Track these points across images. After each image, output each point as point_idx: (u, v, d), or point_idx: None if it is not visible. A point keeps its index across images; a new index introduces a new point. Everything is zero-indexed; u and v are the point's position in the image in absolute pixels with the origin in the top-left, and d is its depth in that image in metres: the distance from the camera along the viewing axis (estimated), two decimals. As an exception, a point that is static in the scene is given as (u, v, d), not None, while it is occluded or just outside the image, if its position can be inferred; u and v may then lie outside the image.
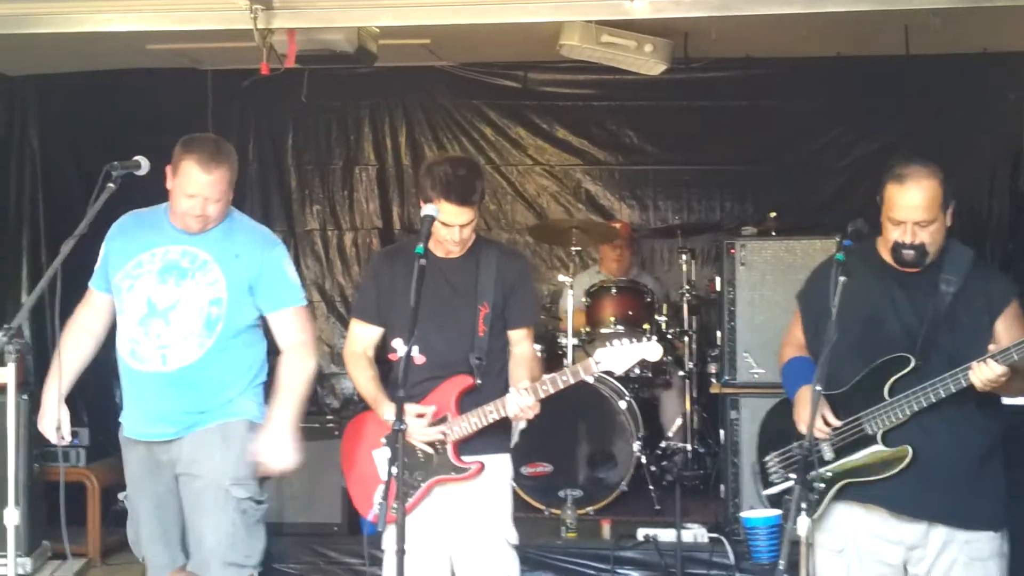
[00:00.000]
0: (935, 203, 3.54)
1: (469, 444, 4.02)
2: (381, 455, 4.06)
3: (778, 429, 3.90)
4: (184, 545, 4.13)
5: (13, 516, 3.69)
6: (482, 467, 4.01)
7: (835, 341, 3.42)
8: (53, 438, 4.09)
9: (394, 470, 3.47)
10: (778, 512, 3.72)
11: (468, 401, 4.00)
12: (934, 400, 3.51)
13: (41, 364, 6.64)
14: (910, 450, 3.55)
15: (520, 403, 3.89)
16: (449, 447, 4.00)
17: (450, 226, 3.93)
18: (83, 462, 6.29)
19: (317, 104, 7.57)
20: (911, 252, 3.55)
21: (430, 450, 3.99)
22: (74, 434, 6.24)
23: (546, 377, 3.94)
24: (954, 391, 3.48)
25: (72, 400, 6.13)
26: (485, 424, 3.97)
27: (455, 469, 4.00)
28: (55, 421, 4.07)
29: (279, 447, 4.03)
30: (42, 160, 7.54)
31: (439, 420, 3.99)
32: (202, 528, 4.02)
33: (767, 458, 3.91)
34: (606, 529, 5.69)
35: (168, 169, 4.04)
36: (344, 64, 6.09)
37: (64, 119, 7.50)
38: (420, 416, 3.94)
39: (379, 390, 4.07)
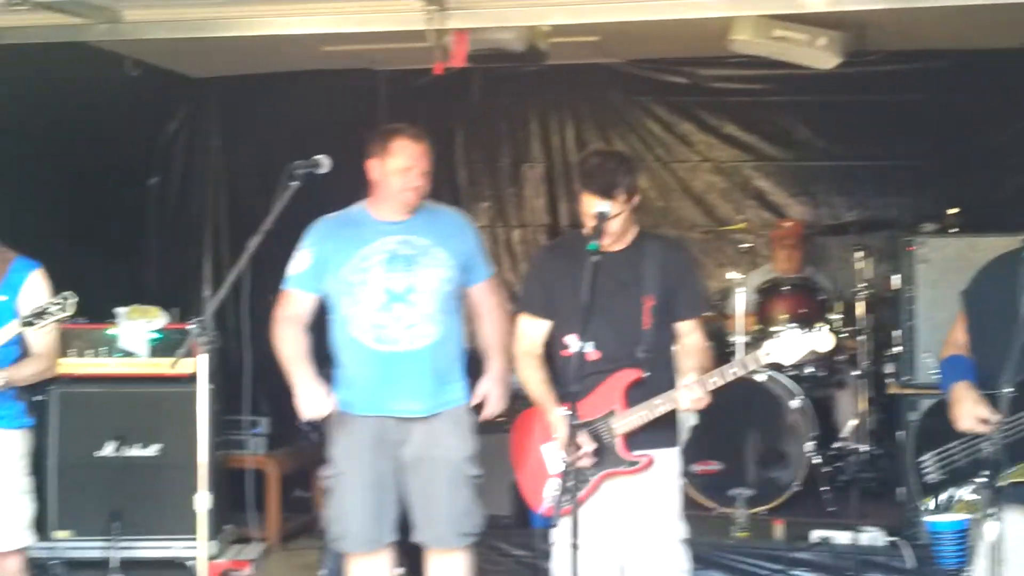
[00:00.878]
0: None
1: (637, 439, 4.01)
2: (550, 449, 4.14)
3: (935, 429, 3.78)
4: (396, 524, 4.38)
5: (205, 501, 3.84)
6: (652, 460, 4.01)
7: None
8: (316, 411, 4.30)
9: (565, 465, 3.57)
10: (966, 516, 3.61)
11: (636, 394, 4.00)
12: None
13: (223, 355, 6.93)
14: None
15: (690, 396, 3.87)
16: (618, 440, 4.00)
17: (588, 216, 3.95)
18: (263, 450, 6.51)
19: (486, 103, 7.66)
20: None
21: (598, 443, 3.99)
22: (254, 423, 6.49)
23: (715, 369, 3.92)
24: None
25: (253, 392, 6.39)
26: (653, 417, 3.96)
27: (625, 462, 4.00)
28: (318, 394, 4.31)
29: (502, 392, 4.44)
30: (224, 160, 7.83)
31: (606, 415, 3.99)
32: (439, 504, 4.33)
33: (923, 458, 3.80)
34: (778, 529, 5.61)
35: (372, 161, 4.34)
36: (514, 63, 6.14)
37: (244, 120, 7.77)
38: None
39: (548, 392, 4.11)
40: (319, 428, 4.68)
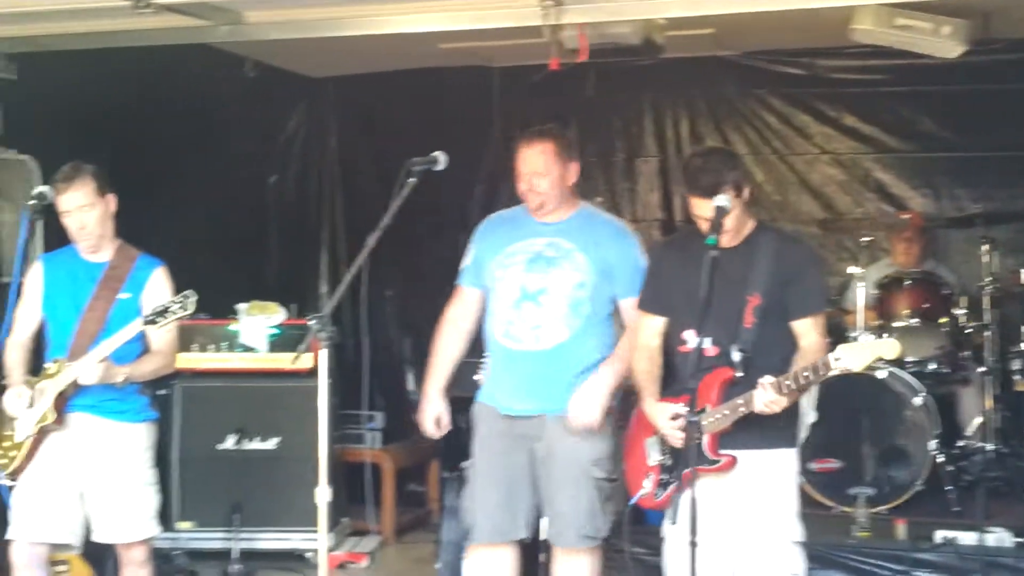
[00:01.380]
0: None
1: (744, 438, 3.92)
2: (651, 443, 4.13)
3: None
4: (528, 520, 4.40)
5: (325, 494, 3.89)
6: (733, 461, 3.92)
7: None
8: (431, 430, 4.49)
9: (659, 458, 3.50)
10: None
11: (732, 393, 3.92)
12: None
13: (339, 350, 7.04)
14: None
15: (763, 398, 3.78)
16: (706, 439, 3.93)
17: (700, 218, 3.91)
18: (379, 444, 6.58)
19: (599, 97, 7.62)
20: None
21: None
22: (370, 417, 6.57)
23: (791, 372, 3.81)
24: None
25: (369, 386, 6.46)
26: (736, 417, 3.87)
27: (707, 461, 3.93)
28: (435, 414, 4.48)
29: (591, 400, 4.27)
30: (340, 157, 7.94)
31: (699, 412, 3.90)
32: (561, 502, 4.32)
33: None
34: (901, 529, 5.48)
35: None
36: (630, 57, 6.11)
37: (360, 118, 7.88)
38: (674, 417, 3.92)
39: (648, 384, 4.10)
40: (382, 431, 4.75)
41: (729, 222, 3.89)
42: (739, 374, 3.92)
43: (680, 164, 7.62)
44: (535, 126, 4.49)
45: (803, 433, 4.20)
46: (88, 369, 4.23)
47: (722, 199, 3.82)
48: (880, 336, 6.28)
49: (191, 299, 4.22)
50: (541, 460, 4.36)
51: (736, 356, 3.92)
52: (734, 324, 3.94)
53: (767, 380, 3.79)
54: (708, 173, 3.90)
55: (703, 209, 3.89)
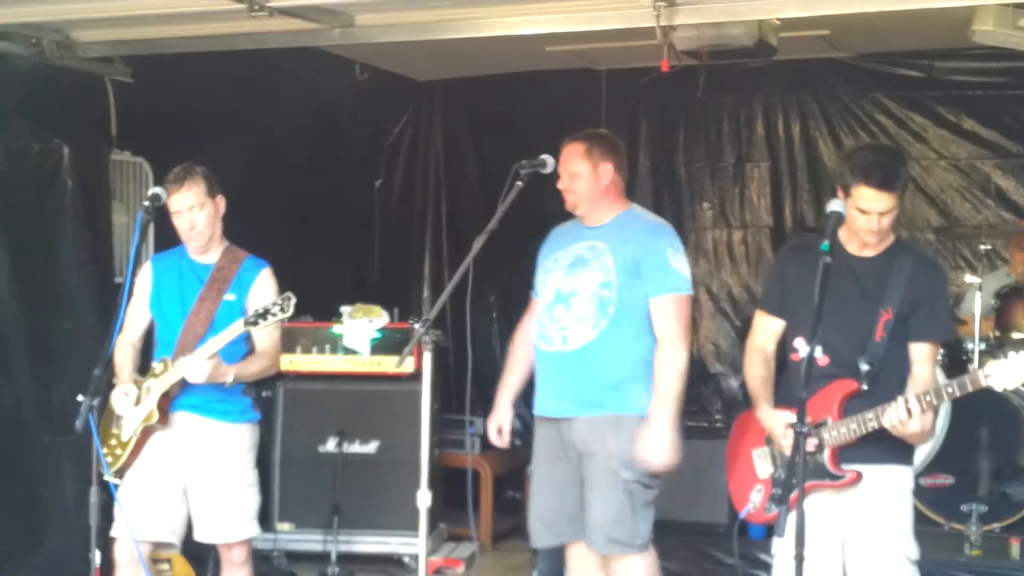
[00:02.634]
0: None
1: (863, 452, 3.82)
2: (760, 454, 4.05)
3: None
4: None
5: (426, 498, 3.89)
6: (858, 476, 3.83)
7: None
8: (494, 439, 4.56)
9: (781, 473, 3.50)
10: None
11: (854, 407, 3.82)
12: None
13: (439, 355, 7.05)
14: None
15: (896, 415, 3.67)
16: (827, 452, 3.84)
17: (868, 213, 3.78)
18: (477, 450, 6.57)
19: (708, 100, 7.52)
20: None
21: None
22: (470, 423, 6.56)
23: (932, 387, 3.70)
24: None
25: (464, 391, 6.43)
26: (864, 432, 3.77)
27: (829, 476, 3.84)
28: (498, 424, 4.53)
29: (659, 444, 4.22)
30: (445, 161, 7.96)
31: (819, 424, 3.83)
32: (591, 504, 4.28)
33: None
34: (1015, 548, 5.32)
35: None
36: (742, 59, 6.01)
37: (466, 121, 7.90)
38: (788, 427, 3.76)
39: (762, 389, 4.00)
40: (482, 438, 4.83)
41: (886, 221, 3.81)
42: (864, 387, 3.83)
43: (792, 167, 7.53)
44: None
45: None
46: (196, 367, 4.28)
47: (837, 204, 3.71)
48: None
49: (290, 301, 4.25)
50: (577, 462, 4.35)
51: (864, 368, 3.83)
52: (864, 336, 3.85)
53: (910, 395, 3.69)
54: (889, 166, 3.82)
55: (876, 202, 3.77)
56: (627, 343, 4.29)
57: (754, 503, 4.02)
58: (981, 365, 5.83)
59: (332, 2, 5.29)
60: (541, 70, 7.36)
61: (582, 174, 4.35)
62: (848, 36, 6.76)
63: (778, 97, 7.59)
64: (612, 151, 4.43)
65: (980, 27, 5.67)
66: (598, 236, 4.37)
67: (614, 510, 4.23)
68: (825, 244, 3.57)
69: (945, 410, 5.62)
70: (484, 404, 6.77)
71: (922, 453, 5.64)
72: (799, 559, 3.39)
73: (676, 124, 7.77)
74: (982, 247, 6.68)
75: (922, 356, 3.87)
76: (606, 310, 4.27)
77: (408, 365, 5.10)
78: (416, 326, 3.88)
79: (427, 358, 3.86)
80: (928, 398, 3.66)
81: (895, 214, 3.84)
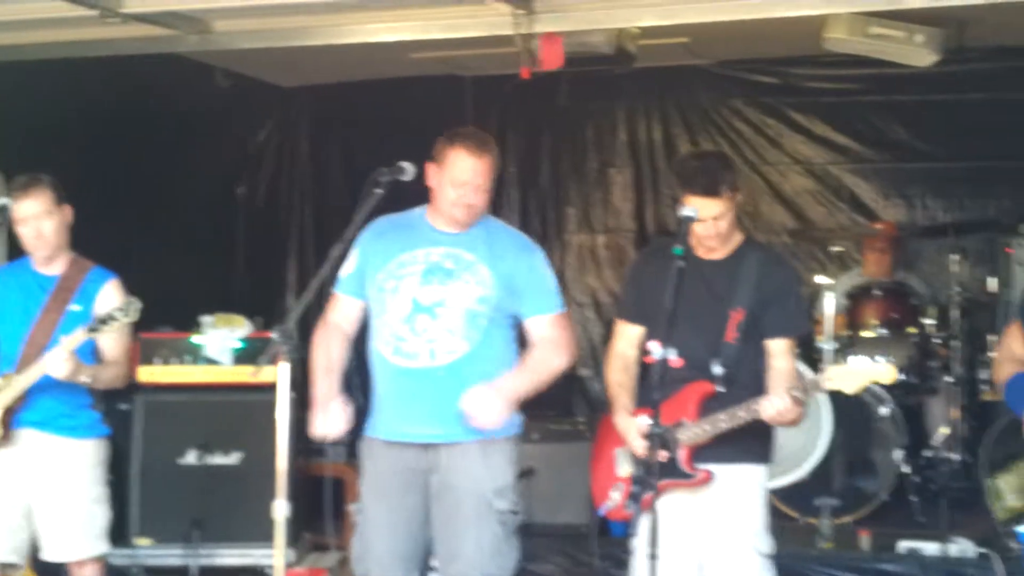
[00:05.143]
0: None
1: (719, 451, 3.91)
2: (622, 453, 4.09)
3: (1009, 454, 3.65)
4: (424, 562, 4.07)
5: (283, 508, 3.85)
6: (710, 476, 3.91)
7: None
8: (326, 430, 4.16)
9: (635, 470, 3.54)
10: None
11: (710, 408, 3.91)
12: None
13: (305, 364, 6.99)
14: None
15: (775, 407, 3.76)
16: (682, 452, 3.92)
17: (702, 220, 3.84)
18: (343, 458, 6.52)
19: (573, 107, 7.62)
20: None
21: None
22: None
23: (779, 389, 3.80)
24: None
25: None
26: (716, 432, 3.86)
27: (683, 475, 3.92)
28: (335, 414, 4.11)
29: (488, 403, 3.91)
30: (311, 168, 7.92)
31: (675, 425, 3.91)
32: (462, 540, 3.95)
33: (1001, 486, 3.67)
34: (864, 540, 5.48)
35: (431, 166, 4.04)
36: (602, 66, 6.09)
37: (332, 128, 7.86)
38: (640, 433, 3.84)
39: (620, 395, 4.06)
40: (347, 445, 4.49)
41: (723, 225, 3.89)
42: (720, 389, 3.91)
43: (655, 172, 7.66)
44: (462, 130, 4.17)
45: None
46: (57, 362, 4.17)
47: (688, 209, 3.80)
48: (848, 347, 6.29)
49: (135, 306, 4.18)
50: (436, 495, 3.97)
51: (717, 370, 3.90)
52: (716, 337, 3.92)
53: (782, 390, 3.78)
54: (706, 172, 3.89)
55: (704, 209, 3.84)
56: (497, 355, 4.04)
57: (614, 500, 4.06)
58: (835, 362, 6.07)
59: (189, 8, 5.24)
60: (407, 76, 7.37)
61: (485, 186, 4.01)
62: (707, 44, 6.89)
63: (640, 104, 7.72)
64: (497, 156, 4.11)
65: (832, 35, 5.88)
66: (459, 244, 4.04)
67: (489, 544, 3.95)
68: (678, 248, 3.65)
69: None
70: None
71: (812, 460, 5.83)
72: (652, 558, 3.46)
73: (541, 130, 7.85)
74: (835, 249, 6.89)
75: (779, 351, 3.95)
76: (478, 322, 3.99)
77: (269, 375, 5.02)
78: (273, 336, 3.82)
79: (282, 367, 3.80)
80: (796, 392, 3.77)
81: (731, 216, 3.92)
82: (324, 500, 4.36)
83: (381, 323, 4.08)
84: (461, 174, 3.96)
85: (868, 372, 3.78)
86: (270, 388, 5.16)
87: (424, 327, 3.98)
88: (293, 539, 5.74)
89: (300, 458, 5.81)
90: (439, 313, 3.98)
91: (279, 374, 3.82)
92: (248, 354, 5.90)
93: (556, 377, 4.11)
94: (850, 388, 3.79)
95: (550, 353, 4.07)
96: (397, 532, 4.02)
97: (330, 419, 4.06)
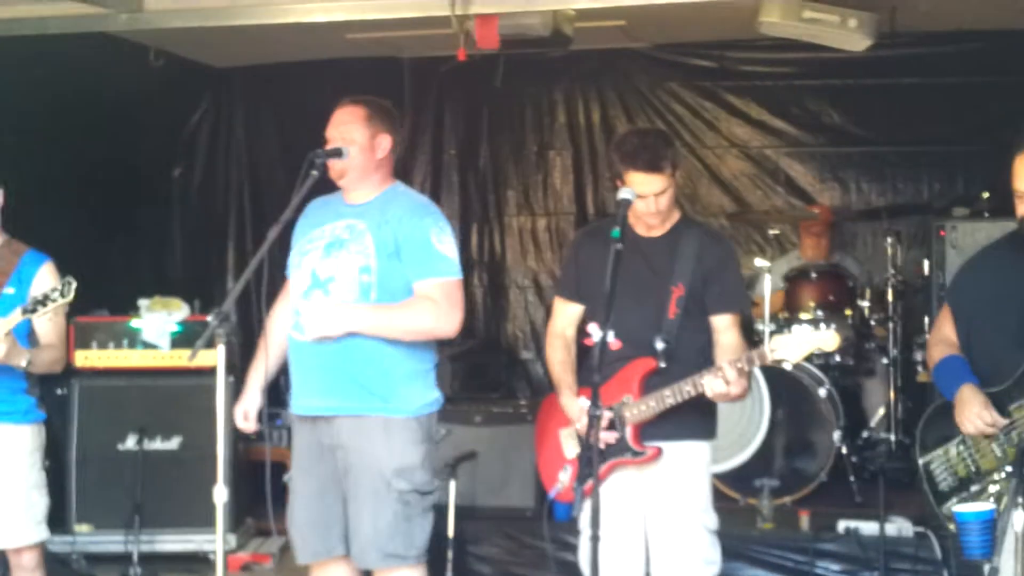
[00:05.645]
0: None
1: (663, 429, 3.92)
2: (567, 435, 4.09)
3: (941, 436, 3.72)
4: (345, 533, 4.05)
5: (222, 494, 3.80)
6: (659, 452, 3.93)
7: (992, 333, 3.22)
8: (240, 424, 4.20)
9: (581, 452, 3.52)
10: (991, 506, 3.54)
11: (653, 385, 3.91)
12: None
13: (247, 348, 6.93)
14: None
15: (716, 384, 3.76)
16: (629, 430, 3.93)
17: (643, 196, 3.86)
18: (285, 443, 6.47)
19: (512, 89, 7.60)
20: None
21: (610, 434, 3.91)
22: (276, 415, 6.44)
23: (723, 363, 3.81)
24: None
25: (275, 382, 6.29)
26: (662, 408, 3.87)
27: (631, 452, 3.93)
28: (244, 409, 4.18)
29: (322, 313, 3.91)
30: (247, 150, 7.83)
31: (620, 403, 3.92)
32: (360, 518, 3.97)
33: (932, 465, 3.73)
34: (804, 520, 5.53)
35: None
36: (539, 48, 6.08)
37: (269, 109, 7.78)
38: (584, 412, 3.79)
39: (564, 375, 4.06)
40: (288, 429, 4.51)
41: (663, 202, 3.90)
42: (662, 364, 3.91)
43: (594, 155, 7.67)
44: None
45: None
46: None
47: (626, 192, 3.80)
48: (786, 328, 6.33)
49: (71, 286, 4.09)
50: (342, 470, 3.99)
51: (659, 346, 3.91)
52: (658, 314, 3.93)
53: (724, 363, 3.77)
54: (647, 149, 3.89)
55: (647, 184, 3.86)
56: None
57: (562, 482, 4.06)
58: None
59: (119, -15, 5.16)
60: (343, 58, 7.31)
61: (357, 141, 3.98)
62: (644, 27, 6.91)
63: (579, 86, 7.72)
64: (393, 124, 4.09)
65: (767, 19, 5.89)
66: (358, 215, 4.01)
67: (387, 523, 3.93)
68: (616, 231, 3.65)
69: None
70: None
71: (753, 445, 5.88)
72: (595, 539, 3.46)
73: (479, 113, 7.82)
74: (772, 232, 6.95)
75: (725, 326, 3.97)
76: (368, 296, 3.94)
77: (208, 358, 4.95)
78: (209, 319, 3.77)
79: (220, 351, 3.75)
80: (740, 364, 3.77)
81: (671, 193, 3.93)
82: (275, 485, 4.32)
83: (291, 299, 4.11)
84: (329, 129, 4.05)
85: (812, 339, 3.77)
86: (209, 372, 5.10)
87: (318, 302, 3.97)
88: (235, 524, 5.73)
89: (241, 443, 5.78)
90: (331, 289, 3.97)
91: (217, 358, 3.76)
92: (186, 338, 5.84)
93: (423, 336, 4.01)
94: (795, 356, 3.80)
95: (420, 307, 3.96)
96: (313, 501, 4.06)
97: (237, 413, 4.18)
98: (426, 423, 4.04)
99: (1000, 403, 3.47)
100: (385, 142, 4.04)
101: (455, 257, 4.05)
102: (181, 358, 5.78)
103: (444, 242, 4.01)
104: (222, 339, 3.71)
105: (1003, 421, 3.45)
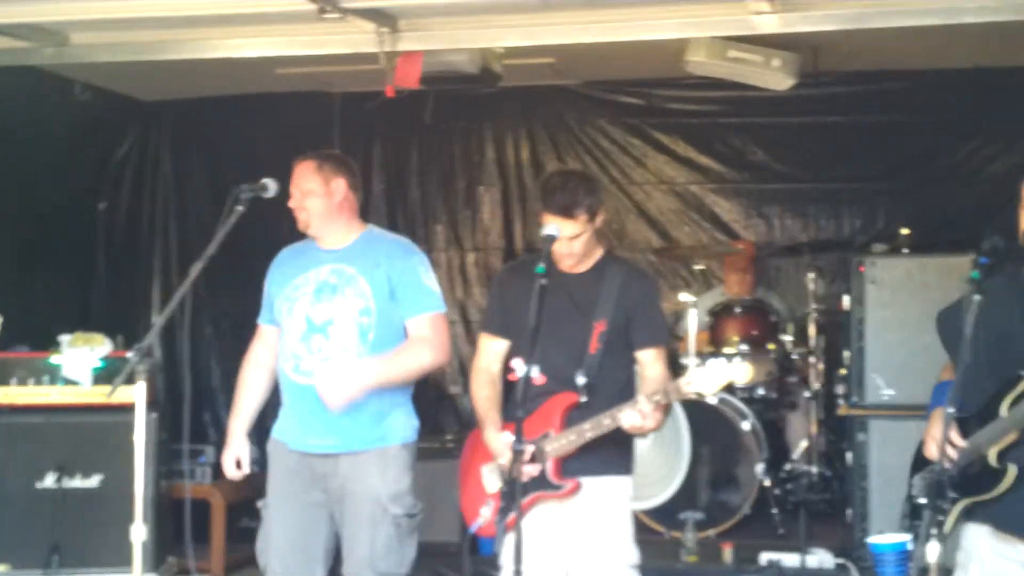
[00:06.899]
0: None
1: (584, 464, 3.96)
2: (490, 470, 4.12)
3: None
4: (326, 559, 4.26)
5: (140, 532, 3.77)
6: (578, 486, 3.96)
7: (971, 363, 3.28)
8: (231, 472, 4.36)
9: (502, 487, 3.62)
10: (907, 537, 3.60)
11: (574, 419, 3.96)
12: None
13: (173, 383, 6.86)
14: (1014, 469, 3.37)
15: (632, 417, 3.81)
16: (550, 464, 3.96)
17: (558, 239, 3.92)
18: (208, 479, 6.41)
19: (441, 125, 7.63)
20: None
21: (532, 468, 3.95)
22: (200, 452, 6.40)
23: (639, 397, 3.87)
24: None
25: (199, 418, 6.27)
26: (582, 442, 3.91)
27: (551, 486, 3.97)
28: (235, 456, 4.34)
29: (336, 380, 4.08)
30: (175, 184, 7.77)
31: (542, 437, 3.96)
32: (358, 539, 4.17)
33: (913, 481, 3.78)
34: (727, 553, 5.59)
35: None
36: (468, 85, 6.12)
37: (197, 144, 7.73)
38: (508, 448, 3.85)
39: (489, 411, 4.10)
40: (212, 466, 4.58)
41: (577, 246, 3.96)
42: (583, 399, 3.95)
43: (523, 191, 7.71)
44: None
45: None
46: None
47: (566, 225, 3.86)
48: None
49: None
50: (337, 498, 4.21)
51: (581, 381, 3.95)
52: (580, 349, 3.97)
53: (641, 397, 3.83)
54: (565, 193, 3.94)
55: (560, 228, 3.90)
56: None
57: (484, 517, 4.10)
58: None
59: (45, 20, 5.10)
60: (273, 92, 7.29)
61: (314, 190, 4.24)
62: (573, 64, 6.97)
63: (508, 123, 7.76)
64: (344, 168, 4.34)
65: (693, 58, 6.00)
66: (342, 260, 4.25)
67: (383, 544, 4.17)
68: (541, 267, 3.69)
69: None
70: (217, 434, 6.69)
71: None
72: (517, 574, 3.48)
73: (409, 148, 7.84)
74: (698, 267, 7.03)
75: (650, 359, 4.03)
76: (366, 337, 4.18)
77: (128, 395, 4.90)
78: (130, 355, 3.75)
79: (140, 387, 3.73)
80: (656, 397, 3.83)
81: (587, 237, 3.98)
82: (198, 523, 4.31)
83: (283, 343, 4.29)
84: (292, 185, 4.30)
85: (725, 372, 3.84)
86: (132, 408, 5.04)
87: (319, 346, 4.18)
88: (155, 563, 5.64)
89: (163, 480, 5.71)
90: (331, 333, 4.17)
91: (136, 394, 3.74)
92: (108, 374, 5.77)
93: (423, 373, 4.28)
94: (710, 389, 3.87)
95: (418, 347, 4.21)
96: (296, 527, 4.25)
97: (228, 460, 4.35)
98: (413, 449, 4.29)
99: (970, 429, 3.51)
100: (340, 186, 4.26)
101: (439, 291, 4.32)
102: (102, 394, 5.70)
103: (430, 277, 4.31)
104: (142, 375, 3.71)
105: (961, 443, 3.47)
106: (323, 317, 4.19)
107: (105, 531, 5.53)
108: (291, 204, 4.28)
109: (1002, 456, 3.40)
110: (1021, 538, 3.42)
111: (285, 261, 4.40)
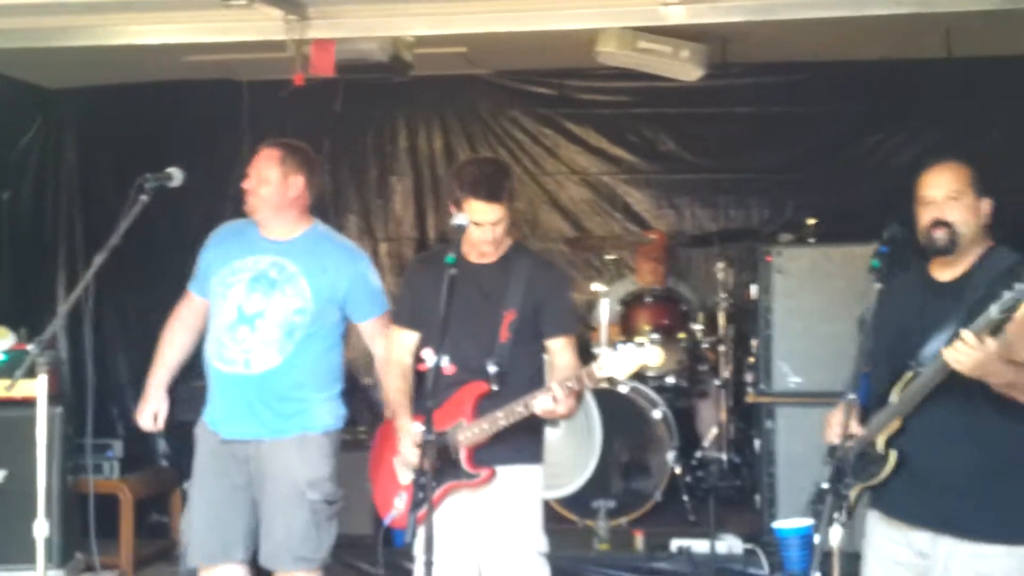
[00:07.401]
0: (963, 180, 3.45)
1: (496, 453, 4.00)
2: (400, 460, 4.14)
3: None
4: (246, 541, 4.32)
5: (43, 528, 3.71)
6: (493, 474, 4.00)
7: (874, 352, 3.35)
8: (148, 425, 4.45)
9: (415, 478, 3.66)
10: (810, 522, 3.66)
11: (486, 408, 4.00)
12: (919, 400, 3.38)
13: (78, 376, 6.72)
14: (894, 454, 3.46)
15: (544, 403, 3.85)
16: (463, 453, 3.99)
17: (480, 225, 3.95)
18: (116, 474, 6.31)
19: (353, 114, 7.55)
20: (941, 232, 3.41)
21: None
22: (108, 446, 6.29)
23: (552, 383, 3.91)
24: (938, 381, 3.32)
25: (107, 412, 6.14)
26: (495, 430, 3.95)
27: (466, 475, 4.01)
28: (153, 410, 4.41)
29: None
30: (80, 173, 7.62)
31: (455, 426, 3.99)
32: (275, 524, 4.26)
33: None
34: (639, 540, 5.66)
35: None
36: (380, 74, 6.08)
37: (102, 132, 7.59)
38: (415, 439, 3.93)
39: (402, 402, 4.11)
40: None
41: (499, 230, 3.99)
42: (494, 387, 3.99)
43: (435, 180, 7.67)
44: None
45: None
46: None
47: (461, 217, 3.86)
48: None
49: None
50: (257, 481, 4.30)
51: (492, 369, 3.99)
52: (490, 339, 4.01)
53: (554, 384, 3.87)
54: (493, 179, 3.98)
55: (486, 214, 3.92)
56: (312, 363, 4.34)
57: (398, 509, 4.13)
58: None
59: (-58, 4, 4.98)
60: (180, 80, 7.17)
61: (271, 180, 4.32)
62: (485, 54, 6.97)
63: (420, 112, 7.71)
64: (306, 166, 4.40)
65: (603, 48, 6.03)
66: (284, 253, 4.33)
67: (299, 529, 4.25)
68: (451, 257, 3.70)
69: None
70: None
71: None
72: (428, 565, 3.49)
73: (320, 138, 7.72)
74: (610, 257, 7.06)
75: (559, 348, 4.09)
76: (293, 336, 4.28)
77: (29, 388, 4.80)
78: (30, 347, 3.69)
79: (41, 380, 3.67)
80: (569, 383, 3.88)
81: (507, 222, 4.02)
82: (107, 518, 4.25)
83: (212, 327, 4.39)
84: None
85: (636, 356, 3.87)
86: (35, 402, 4.93)
87: (243, 337, 4.29)
88: (63, 559, 5.55)
89: (69, 476, 5.61)
90: (258, 325, 4.27)
91: (38, 388, 3.67)
92: (11, 367, 5.61)
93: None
94: (621, 373, 3.90)
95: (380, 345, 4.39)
96: (216, 509, 4.32)
97: (146, 414, 4.43)
98: (335, 438, 4.40)
99: (867, 419, 3.56)
100: (297, 182, 4.36)
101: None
102: (3, 388, 5.57)
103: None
104: (44, 368, 3.65)
105: (858, 431, 3.53)
106: (254, 308, 4.28)
107: (11, 527, 5.40)
108: (244, 185, 4.36)
109: (889, 443, 3.49)
110: (904, 522, 3.51)
111: (226, 239, 4.45)
